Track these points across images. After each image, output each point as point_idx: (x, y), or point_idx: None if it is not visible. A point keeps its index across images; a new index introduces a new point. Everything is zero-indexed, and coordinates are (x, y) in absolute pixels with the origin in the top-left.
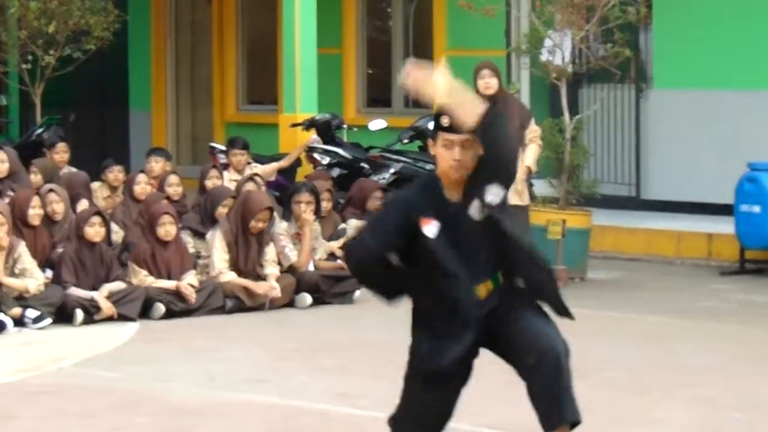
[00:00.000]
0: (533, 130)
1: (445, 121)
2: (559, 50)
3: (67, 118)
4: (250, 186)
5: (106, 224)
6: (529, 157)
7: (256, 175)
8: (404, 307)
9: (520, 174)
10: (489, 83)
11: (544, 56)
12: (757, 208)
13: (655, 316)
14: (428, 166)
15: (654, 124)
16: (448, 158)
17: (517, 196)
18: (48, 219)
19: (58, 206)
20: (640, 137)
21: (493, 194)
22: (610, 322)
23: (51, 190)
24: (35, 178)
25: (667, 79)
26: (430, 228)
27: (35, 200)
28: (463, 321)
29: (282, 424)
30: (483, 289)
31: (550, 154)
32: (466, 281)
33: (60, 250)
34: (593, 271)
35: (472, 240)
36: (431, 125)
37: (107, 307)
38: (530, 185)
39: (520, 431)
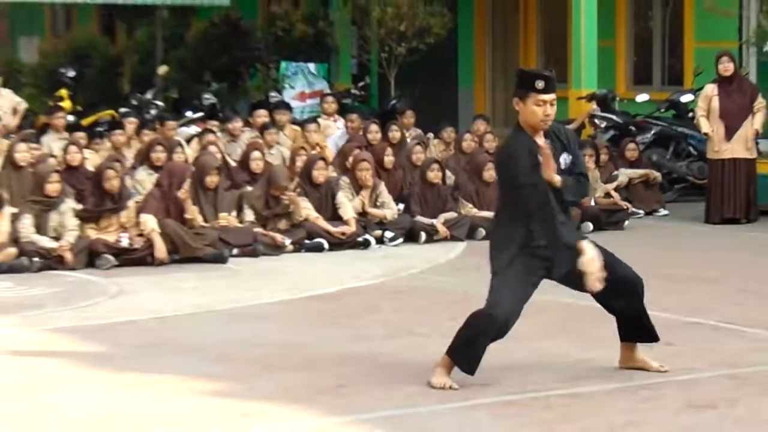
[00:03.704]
0: (760, 102)
1: (539, 85)
2: None
3: (413, 93)
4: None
5: (442, 170)
6: (757, 121)
7: None
8: None
9: (750, 134)
10: (727, 66)
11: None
12: None
13: None
14: (680, 129)
15: None
16: (540, 114)
17: (747, 151)
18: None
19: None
20: None
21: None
22: None
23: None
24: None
25: None
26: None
27: (389, 149)
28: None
29: None
30: None
31: None
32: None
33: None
34: None
35: None
36: (684, 98)
37: (443, 231)
38: (757, 143)
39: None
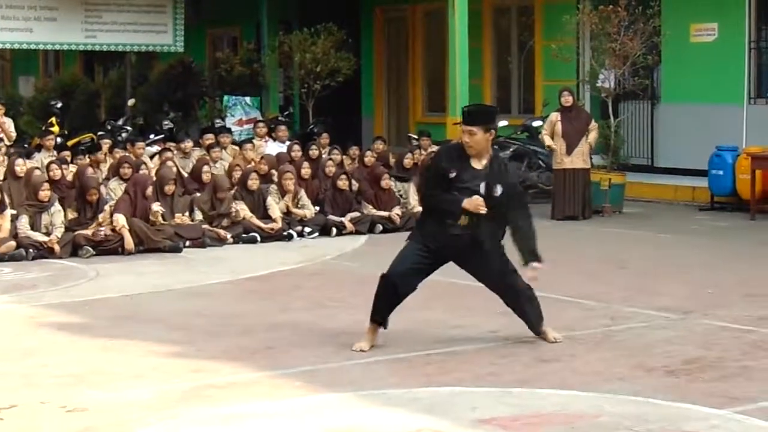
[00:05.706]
0: (593, 126)
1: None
2: (607, 80)
3: (326, 120)
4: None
5: (349, 179)
6: (591, 138)
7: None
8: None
9: (586, 149)
10: (567, 99)
11: (599, 84)
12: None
13: (661, 233)
14: (532, 147)
15: (663, 125)
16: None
17: (584, 163)
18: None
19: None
20: (654, 131)
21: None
22: (636, 236)
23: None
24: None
25: (671, 97)
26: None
27: (306, 164)
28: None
29: None
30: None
31: (602, 140)
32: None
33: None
34: (627, 208)
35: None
36: (535, 123)
37: (350, 227)
38: (591, 157)
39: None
